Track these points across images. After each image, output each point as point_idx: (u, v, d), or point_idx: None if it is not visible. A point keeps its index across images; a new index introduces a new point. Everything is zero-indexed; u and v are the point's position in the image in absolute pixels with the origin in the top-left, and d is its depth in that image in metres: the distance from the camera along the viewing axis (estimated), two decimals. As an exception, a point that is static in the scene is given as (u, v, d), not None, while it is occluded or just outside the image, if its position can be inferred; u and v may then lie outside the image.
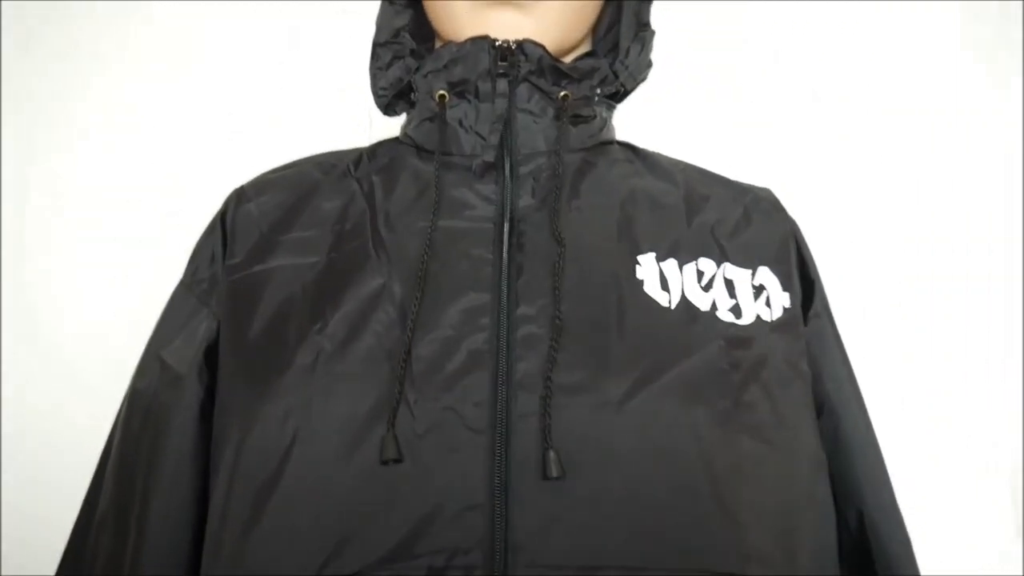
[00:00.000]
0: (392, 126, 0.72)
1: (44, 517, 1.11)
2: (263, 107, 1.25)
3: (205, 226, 0.69)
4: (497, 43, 0.62)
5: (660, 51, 0.70)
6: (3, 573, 1.13)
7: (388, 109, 0.69)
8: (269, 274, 0.61)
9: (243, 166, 0.73)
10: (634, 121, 0.77)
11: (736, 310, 0.59)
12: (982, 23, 1.29)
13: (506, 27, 0.62)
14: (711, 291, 0.59)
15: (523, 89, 0.63)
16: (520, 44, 0.61)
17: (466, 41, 0.62)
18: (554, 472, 0.49)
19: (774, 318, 0.60)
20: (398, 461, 0.50)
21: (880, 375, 1.15)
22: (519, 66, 0.62)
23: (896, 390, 1.17)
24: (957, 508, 1.14)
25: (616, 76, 0.66)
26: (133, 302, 1.19)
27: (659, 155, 0.71)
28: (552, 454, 0.49)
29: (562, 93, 0.63)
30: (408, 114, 0.69)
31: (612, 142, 0.70)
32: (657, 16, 0.69)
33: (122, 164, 1.26)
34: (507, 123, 0.62)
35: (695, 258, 0.61)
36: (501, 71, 0.62)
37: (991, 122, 1.26)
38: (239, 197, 0.67)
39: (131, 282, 1.22)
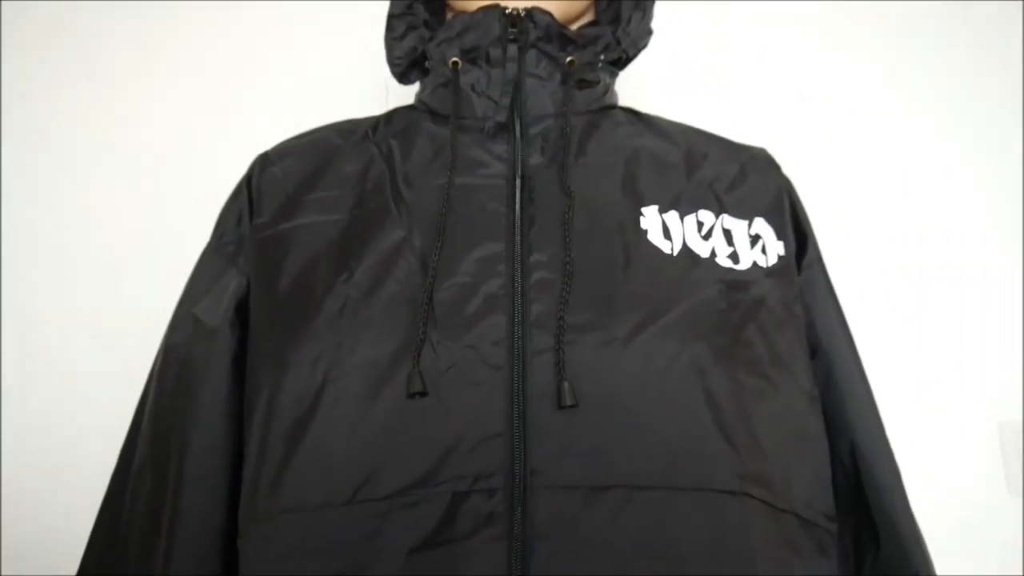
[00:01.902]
0: (406, 96, 0.76)
1: (44, 517, 1.15)
2: (279, 84, 1.27)
3: (228, 191, 0.73)
4: (507, 11, 0.65)
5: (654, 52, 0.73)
6: (3, 573, 1.14)
7: (403, 78, 0.72)
8: (296, 231, 0.65)
9: (261, 139, 0.77)
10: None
11: (734, 256, 0.63)
12: (973, 23, 1.32)
13: None
14: (710, 240, 0.63)
15: (532, 55, 0.66)
16: (529, 12, 0.65)
17: (478, 10, 0.66)
18: (568, 401, 0.53)
19: (769, 264, 0.64)
20: (423, 395, 0.54)
21: (874, 365, 1.18)
22: (528, 32, 0.65)
23: (890, 380, 1.15)
24: (953, 499, 1.14)
25: (619, 43, 0.70)
26: (133, 303, 1.21)
27: (660, 118, 0.75)
28: (566, 385, 0.53)
29: (568, 59, 0.67)
30: (422, 82, 0.73)
31: (615, 106, 0.74)
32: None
33: (125, 156, 1.28)
34: (517, 87, 0.66)
35: (695, 210, 0.65)
36: (511, 37, 0.65)
37: (987, 115, 1.28)
38: (264, 161, 0.71)
39: (129, 283, 1.23)
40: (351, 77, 1.16)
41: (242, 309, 0.67)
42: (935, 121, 1.28)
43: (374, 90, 0.76)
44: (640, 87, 0.75)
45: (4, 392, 1.20)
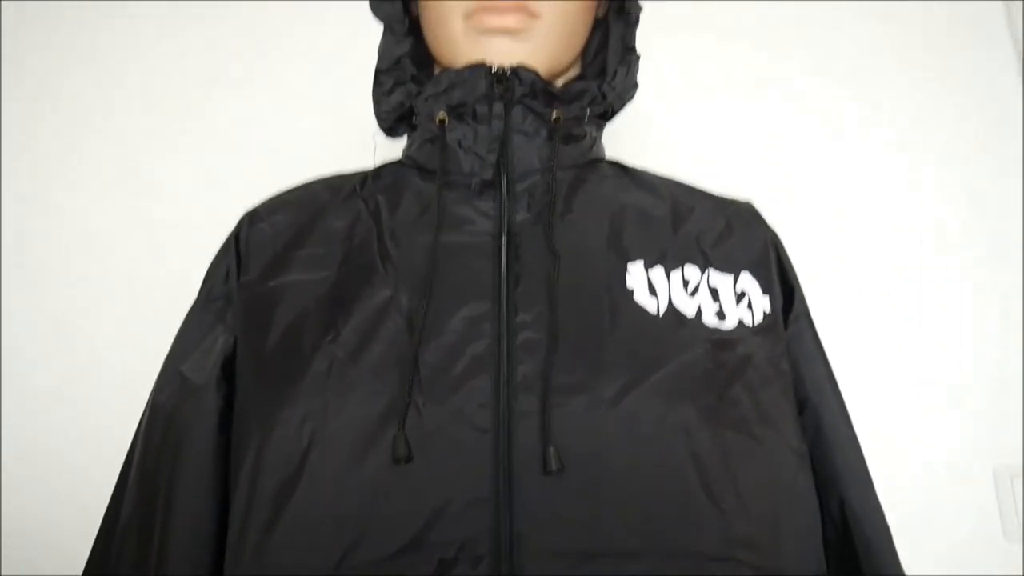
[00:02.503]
0: (394, 149, 0.76)
1: (44, 517, 1.17)
2: (269, 132, 1.30)
3: (215, 246, 0.73)
4: (493, 69, 0.66)
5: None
6: (3, 573, 1.15)
7: (391, 132, 0.73)
8: (283, 288, 0.65)
9: (250, 190, 0.77)
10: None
11: (720, 314, 0.63)
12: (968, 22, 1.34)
13: (501, 53, 0.66)
14: (696, 297, 0.64)
15: (518, 111, 0.67)
16: (515, 69, 0.65)
17: (464, 67, 0.66)
18: (553, 466, 0.53)
19: (756, 322, 0.64)
20: (409, 460, 0.54)
21: (873, 365, 1.19)
22: (514, 90, 0.66)
23: (890, 381, 1.19)
24: (950, 503, 1.15)
25: (604, 97, 0.70)
26: (131, 307, 1.25)
27: (646, 172, 0.75)
28: (552, 449, 0.53)
29: (554, 114, 0.67)
30: (409, 136, 0.74)
31: (602, 160, 0.74)
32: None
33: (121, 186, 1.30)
34: (503, 143, 0.66)
35: (681, 265, 0.65)
36: (497, 95, 0.66)
37: (986, 111, 1.30)
38: (252, 218, 0.71)
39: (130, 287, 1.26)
40: (338, 130, 1.18)
41: (229, 367, 0.67)
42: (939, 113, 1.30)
43: (361, 143, 0.77)
44: (622, 134, 0.75)
45: (4, 392, 1.24)
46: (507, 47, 0.66)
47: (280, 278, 0.66)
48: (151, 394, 0.69)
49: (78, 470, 1.17)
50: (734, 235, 0.69)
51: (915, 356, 1.20)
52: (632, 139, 0.86)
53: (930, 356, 1.20)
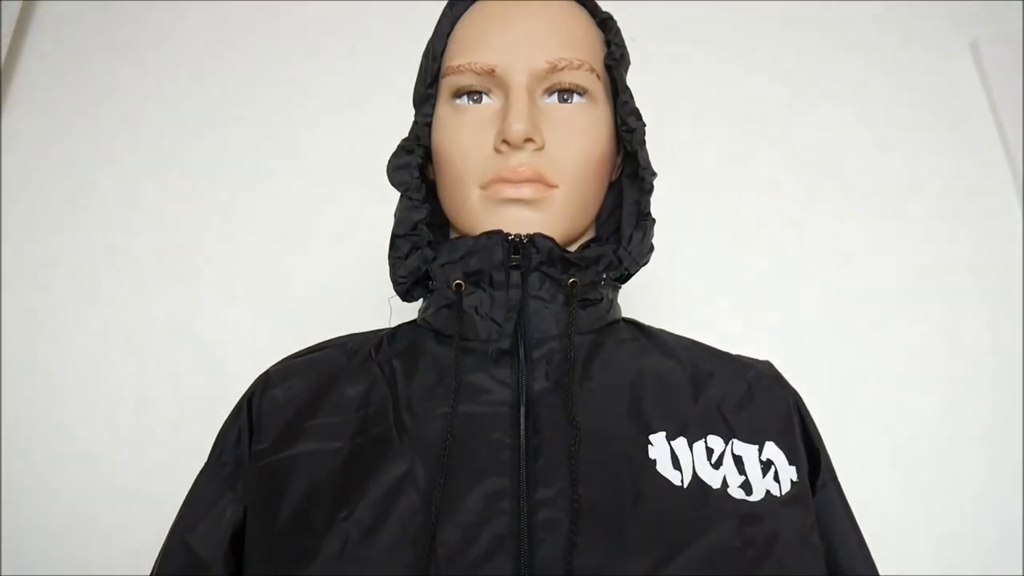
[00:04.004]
0: (408, 307, 0.77)
1: (44, 517, 1.17)
2: (283, 292, 1.32)
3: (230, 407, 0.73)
4: (510, 237, 0.66)
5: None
6: (3, 573, 1.13)
7: (407, 295, 0.73)
8: (296, 460, 0.63)
9: (267, 348, 0.77)
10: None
11: (746, 486, 0.61)
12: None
13: (517, 222, 0.67)
14: (721, 468, 0.62)
15: (534, 278, 0.67)
16: (531, 238, 0.66)
17: (481, 235, 0.67)
18: None
19: (783, 492, 0.62)
20: None
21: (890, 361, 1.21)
22: (531, 257, 0.66)
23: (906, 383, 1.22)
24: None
25: (620, 261, 0.71)
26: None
27: (664, 332, 0.75)
28: None
29: (571, 280, 0.67)
30: (425, 299, 0.74)
31: (619, 321, 0.74)
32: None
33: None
34: (520, 310, 0.66)
35: (704, 435, 0.63)
36: (514, 263, 0.66)
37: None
38: (265, 383, 0.71)
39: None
40: (362, 293, 1.20)
41: (237, 539, 0.65)
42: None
43: (377, 306, 0.77)
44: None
45: (4, 392, 1.26)
46: (524, 216, 0.67)
47: (293, 449, 0.64)
48: (155, 564, 0.67)
49: (79, 470, 1.20)
50: (756, 400, 0.68)
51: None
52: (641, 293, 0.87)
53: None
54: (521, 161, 0.66)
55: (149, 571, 0.67)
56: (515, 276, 0.66)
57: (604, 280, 0.71)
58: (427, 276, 0.71)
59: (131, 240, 1.37)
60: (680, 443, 0.62)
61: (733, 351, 0.75)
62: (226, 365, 1.26)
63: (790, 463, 0.65)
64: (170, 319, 1.31)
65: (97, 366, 1.29)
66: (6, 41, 1.41)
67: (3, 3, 1.39)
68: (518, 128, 0.65)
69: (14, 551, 1.16)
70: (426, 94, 0.74)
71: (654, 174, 0.72)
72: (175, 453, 1.11)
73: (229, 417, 0.72)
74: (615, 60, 0.73)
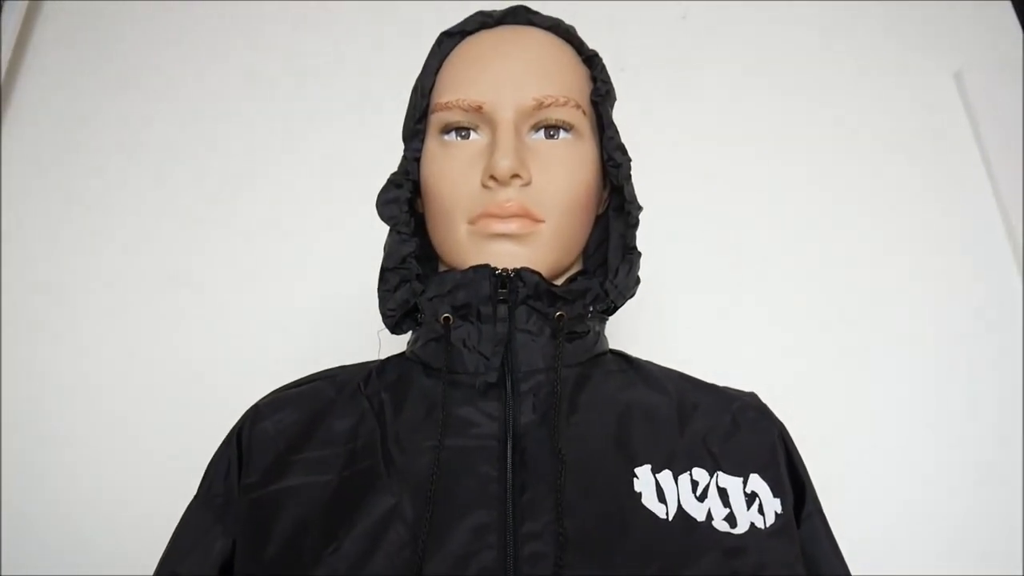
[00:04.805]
0: (400, 338, 0.77)
1: (44, 517, 1.18)
2: (271, 324, 1.33)
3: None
4: (497, 271, 0.67)
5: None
6: (3, 573, 1.13)
7: (396, 328, 0.73)
8: (285, 494, 0.64)
9: (259, 382, 0.78)
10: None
11: (731, 519, 0.62)
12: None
13: (505, 256, 0.68)
14: (706, 501, 0.62)
15: (521, 311, 0.68)
16: (518, 272, 0.67)
17: (468, 269, 0.68)
18: None
19: (768, 525, 0.63)
20: None
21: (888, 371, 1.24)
22: (518, 291, 0.67)
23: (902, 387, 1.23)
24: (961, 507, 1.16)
25: (607, 294, 0.72)
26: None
27: (650, 364, 0.75)
28: None
29: (558, 313, 0.68)
30: (414, 332, 0.74)
31: (606, 352, 0.75)
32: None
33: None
34: (507, 343, 0.67)
35: (689, 468, 0.64)
36: (501, 297, 0.67)
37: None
38: (256, 415, 0.71)
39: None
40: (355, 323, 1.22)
41: (226, 572, 0.65)
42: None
43: (366, 335, 0.78)
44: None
45: (4, 392, 1.27)
46: (511, 251, 0.68)
47: (282, 482, 0.65)
48: None
49: (78, 470, 1.21)
50: (741, 432, 0.69)
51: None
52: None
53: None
54: (508, 197, 0.67)
55: None
56: (502, 310, 0.67)
57: (591, 313, 0.71)
58: (416, 309, 0.72)
59: (134, 256, 1.38)
60: (665, 476, 0.63)
61: (719, 382, 0.76)
62: (228, 366, 1.28)
63: (775, 495, 0.65)
64: (169, 325, 1.33)
65: (96, 372, 1.31)
66: (7, 47, 1.42)
67: (4, 8, 1.41)
68: (505, 164, 0.66)
69: (14, 551, 1.17)
70: (415, 129, 0.75)
71: (640, 208, 0.73)
72: (175, 454, 1.10)
73: (219, 449, 0.72)
74: (601, 96, 0.74)
